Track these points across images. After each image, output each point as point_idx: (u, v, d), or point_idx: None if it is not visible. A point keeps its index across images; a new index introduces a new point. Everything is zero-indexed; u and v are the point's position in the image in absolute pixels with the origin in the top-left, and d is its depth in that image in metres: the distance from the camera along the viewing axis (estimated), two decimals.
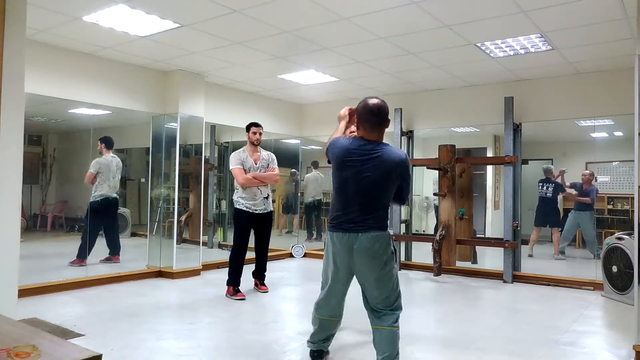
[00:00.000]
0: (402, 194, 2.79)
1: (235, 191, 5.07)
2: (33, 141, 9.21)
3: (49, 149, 9.38)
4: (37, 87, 4.90)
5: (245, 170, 4.91)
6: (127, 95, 5.87)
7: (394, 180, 2.69)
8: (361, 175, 2.65)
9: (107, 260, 6.36)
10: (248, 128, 5.12)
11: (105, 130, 8.29)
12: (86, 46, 5.20)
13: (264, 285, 5.29)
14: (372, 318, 2.83)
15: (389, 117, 2.78)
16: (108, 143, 6.47)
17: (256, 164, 4.99)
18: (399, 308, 2.86)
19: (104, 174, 6.30)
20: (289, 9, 4.04)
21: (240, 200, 4.98)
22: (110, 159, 6.42)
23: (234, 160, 4.94)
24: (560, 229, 8.14)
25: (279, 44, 5.02)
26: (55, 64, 5.18)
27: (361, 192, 2.67)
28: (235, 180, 4.98)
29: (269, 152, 5.20)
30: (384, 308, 2.80)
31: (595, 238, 8.13)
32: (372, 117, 2.71)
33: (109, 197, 6.33)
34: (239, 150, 5.09)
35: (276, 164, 5.15)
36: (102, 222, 6.36)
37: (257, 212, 4.97)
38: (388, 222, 2.77)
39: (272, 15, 4.19)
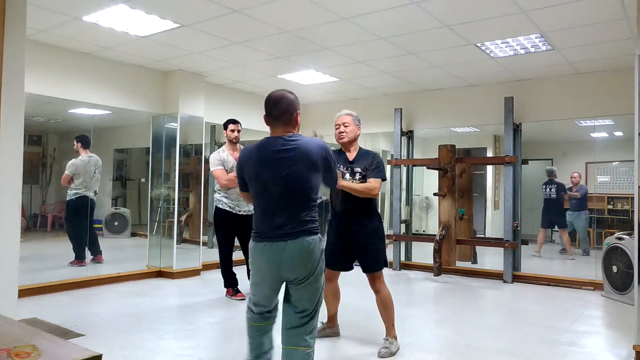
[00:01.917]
0: (331, 182, 2.56)
1: (217, 190, 4.89)
2: (33, 141, 9.20)
3: (49, 149, 9.37)
4: (37, 87, 4.90)
5: (227, 170, 4.69)
6: (127, 95, 5.87)
7: (317, 171, 2.38)
8: (274, 173, 2.33)
9: (92, 261, 6.21)
10: (225, 126, 4.88)
11: (106, 130, 8.28)
12: (86, 46, 5.20)
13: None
14: (284, 336, 2.46)
15: (296, 110, 2.45)
16: (85, 142, 6.23)
17: None
18: (314, 330, 2.44)
19: (80, 174, 6.10)
20: (289, 9, 4.04)
21: (224, 200, 4.78)
22: (87, 159, 6.19)
23: (214, 162, 4.70)
24: (566, 229, 8.22)
25: (279, 44, 5.01)
26: (55, 64, 5.18)
27: (279, 191, 2.34)
28: (216, 181, 4.79)
29: None
30: (298, 326, 2.40)
31: (587, 237, 8.27)
32: (268, 109, 2.43)
33: (85, 195, 6.09)
34: (218, 150, 4.86)
35: None
36: (80, 221, 6.08)
37: (240, 213, 4.76)
38: (317, 223, 2.42)
39: (272, 15, 4.19)
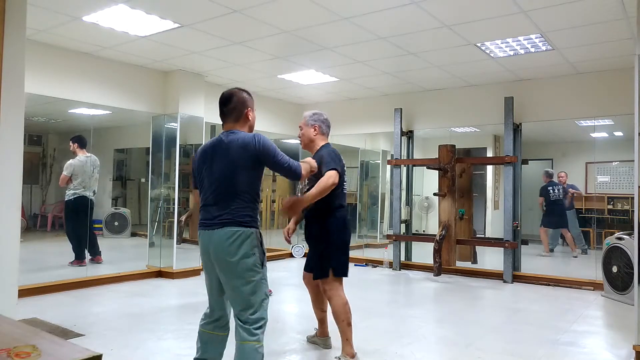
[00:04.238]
0: (282, 171, 2.44)
1: None
2: (33, 141, 9.21)
3: (49, 149, 9.38)
4: (37, 87, 4.90)
5: None
6: (127, 95, 5.87)
7: (249, 165, 2.36)
8: (211, 168, 2.42)
9: (90, 261, 6.21)
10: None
11: (106, 130, 8.28)
12: (86, 46, 5.20)
13: None
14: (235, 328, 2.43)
15: (247, 107, 2.50)
16: (81, 142, 6.23)
17: None
18: (257, 323, 2.35)
19: (78, 175, 6.10)
20: (289, 9, 4.04)
21: None
22: (85, 159, 6.20)
23: None
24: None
25: (279, 44, 5.01)
26: (55, 64, 5.17)
27: (213, 185, 2.40)
28: None
29: None
30: (241, 320, 2.36)
31: (581, 235, 8.39)
32: (220, 106, 2.52)
33: (83, 195, 6.09)
34: None
35: None
36: (79, 221, 6.09)
37: None
38: (252, 217, 2.40)
39: (272, 15, 4.19)
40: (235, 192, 2.37)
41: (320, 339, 3.48)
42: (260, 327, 2.36)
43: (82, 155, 6.21)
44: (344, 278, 3.15)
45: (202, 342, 2.54)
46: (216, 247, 2.35)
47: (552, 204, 8.23)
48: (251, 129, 2.55)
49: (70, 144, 6.26)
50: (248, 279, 2.33)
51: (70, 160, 6.18)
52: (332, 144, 3.30)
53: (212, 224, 2.37)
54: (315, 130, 3.25)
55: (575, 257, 8.02)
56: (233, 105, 2.49)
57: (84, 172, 6.16)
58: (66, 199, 6.18)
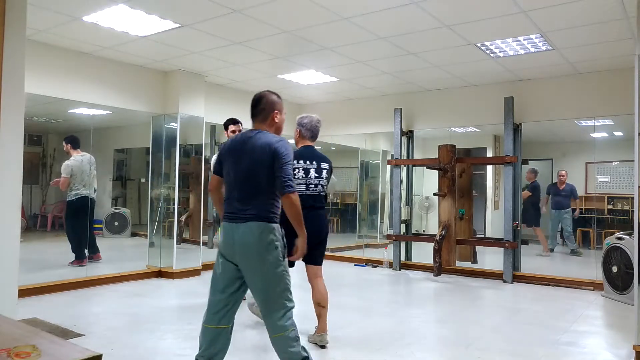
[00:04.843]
0: (278, 180, 2.46)
1: None
2: (33, 141, 9.22)
3: (49, 149, 9.38)
4: (37, 87, 4.89)
5: None
6: (127, 95, 5.87)
7: (270, 164, 2.46)
8: (238, 164, 2.55)
9: (89, 259, 6.22)
10: (226, 126, 4.69)
11: (106, 130, 8.29)
12: (86, 46, 5.20)
13: None
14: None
15: (274, 110, 2.62)
16: (74, 142, 6.27)
17: None
18: (280, 311, 2.47)
19: (77, 175, 6.14)
20: (289, 9, 4.04)
21: None
22: (80, 158, 6.24)
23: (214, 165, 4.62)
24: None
25: (279, 44, 5.02)
26: (55, 64, 5.17)
27: (239, 181, 2.54)
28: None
29: None
30: (266, 313, 2.49)
31: (572, 235, 8.41)
32: (251, 107, 2.67)
33: (85, 195, 6.12)
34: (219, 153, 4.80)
35: None
36: (80, 221, 6.10)
37: None
38: (275, 213, 2.52)
39: (272, 15, 4.19)
40: (259, 188, 2.50)
41: (318, 335, 3.51)
42: (284, 316, 2.47)
43: (76, 155, 6.25)
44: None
45: (207, 339, 2.56)
46: (241, 240, 2.46)
47: (527, 202, 8.24)
48: (278, 130, 2.68)
49: (64, 144, 6.29)
50: (272, 270, 2.45)
51: (67, 161, 6.21)
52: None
53: (237, 218, 2.49)
54: (297, 133, 3.62)
55: (543, 255, 8.05)
56: (262, 107, 2.63)
57: (82, 171, 6.20)
58: (68, 200, 6.19)
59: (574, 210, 8.47)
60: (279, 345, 2.48)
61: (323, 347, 3.43)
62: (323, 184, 3.55)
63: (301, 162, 3.49)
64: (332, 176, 3.71)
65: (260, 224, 2.45)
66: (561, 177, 8.33)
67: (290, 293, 2.52)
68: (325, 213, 3.64)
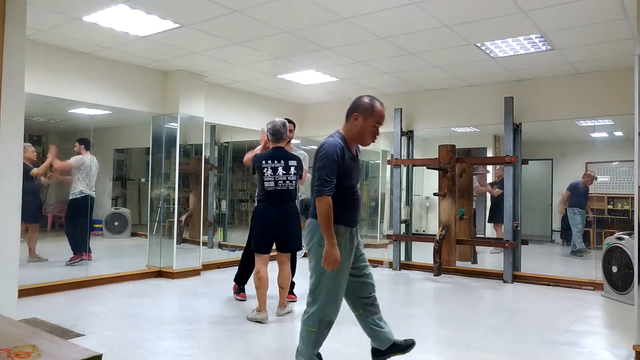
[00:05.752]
0: (313, 179, 2.64)
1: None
2: (33, 141, 9.19)
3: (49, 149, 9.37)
4: (37, 87, 4.90)
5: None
6: (127, 95, 5.87)
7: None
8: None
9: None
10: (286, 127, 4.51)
11: (106, 130, 8.29)
12: (86, 46, 5.20)
13: (292, 294, 4.85)
14: None
15: (354, 110, 2.69)
16: (87, 144, 6.45)
17: None
18: (313, 306, 2.72)
19: (84, 171, 6.31)
20: (289, 9, 4.04)
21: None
22: (90, 158, 6.41)
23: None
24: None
25: (279, 44, 5.02)
26: (55, 64, 5.17)
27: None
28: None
29: (301, 152, 4.81)
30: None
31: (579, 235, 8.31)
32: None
33: (88, 195, 6.27)
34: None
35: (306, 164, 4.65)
36: (80, 219, 6.20)
37: None
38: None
39: (272, 15, 4.19)
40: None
41: (258, 312, 4.13)
42: (312, 309, 2.73)
43: (86, 155, 6.40)
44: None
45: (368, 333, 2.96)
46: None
47: (497, 200, 8.09)
48: (356, 133, 2.68)
49: (77, 144, 6.42)
50: (311, 263, 2.88)
51: (79, 156, 6.35)
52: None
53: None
54: (266, 138, 4.22)
55: (492, 253, 7.98)
56: (349, 107, 2.73)
57: (90, 170, 6.37)
58: (71, 197, 6.29)
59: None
60: (301, 330, 2.77)
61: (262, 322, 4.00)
62: (292, 179, 4.11)
63: (269, 162, 4.05)
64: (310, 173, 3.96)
65: (311, 220, 2.80)
66: (588, 178, 8.25)
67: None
68: (295, 205, 4.23)
